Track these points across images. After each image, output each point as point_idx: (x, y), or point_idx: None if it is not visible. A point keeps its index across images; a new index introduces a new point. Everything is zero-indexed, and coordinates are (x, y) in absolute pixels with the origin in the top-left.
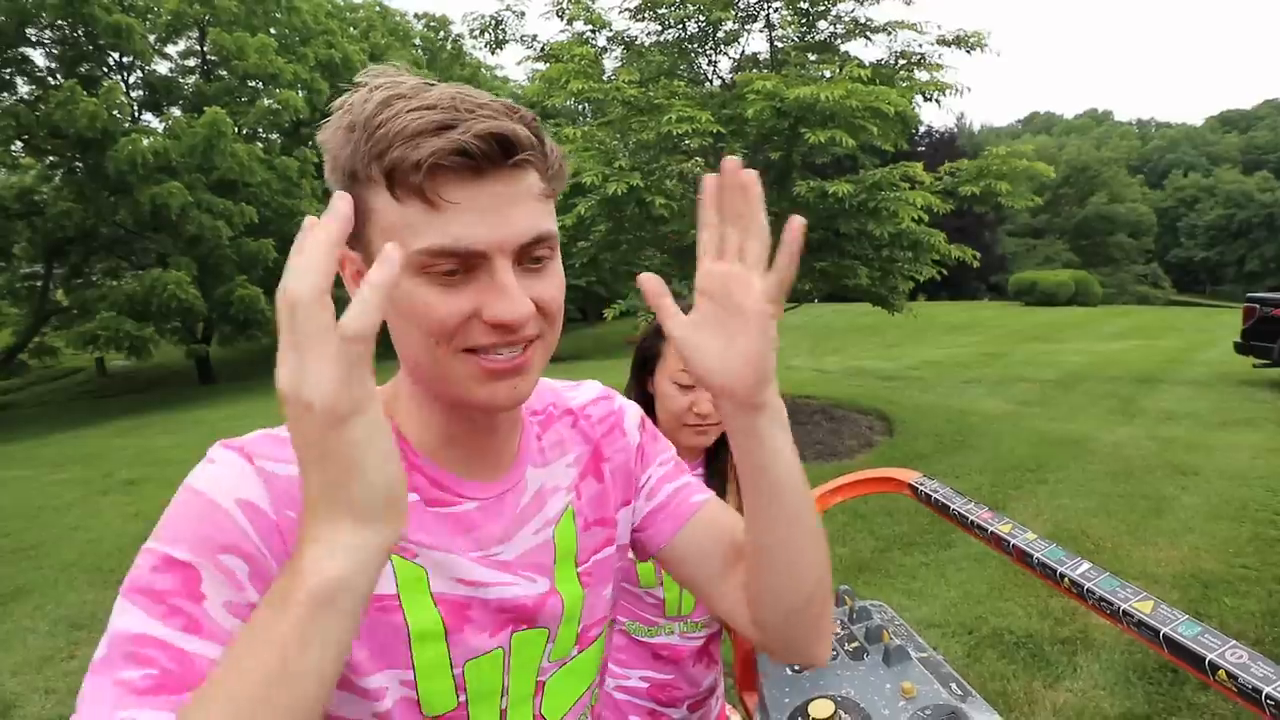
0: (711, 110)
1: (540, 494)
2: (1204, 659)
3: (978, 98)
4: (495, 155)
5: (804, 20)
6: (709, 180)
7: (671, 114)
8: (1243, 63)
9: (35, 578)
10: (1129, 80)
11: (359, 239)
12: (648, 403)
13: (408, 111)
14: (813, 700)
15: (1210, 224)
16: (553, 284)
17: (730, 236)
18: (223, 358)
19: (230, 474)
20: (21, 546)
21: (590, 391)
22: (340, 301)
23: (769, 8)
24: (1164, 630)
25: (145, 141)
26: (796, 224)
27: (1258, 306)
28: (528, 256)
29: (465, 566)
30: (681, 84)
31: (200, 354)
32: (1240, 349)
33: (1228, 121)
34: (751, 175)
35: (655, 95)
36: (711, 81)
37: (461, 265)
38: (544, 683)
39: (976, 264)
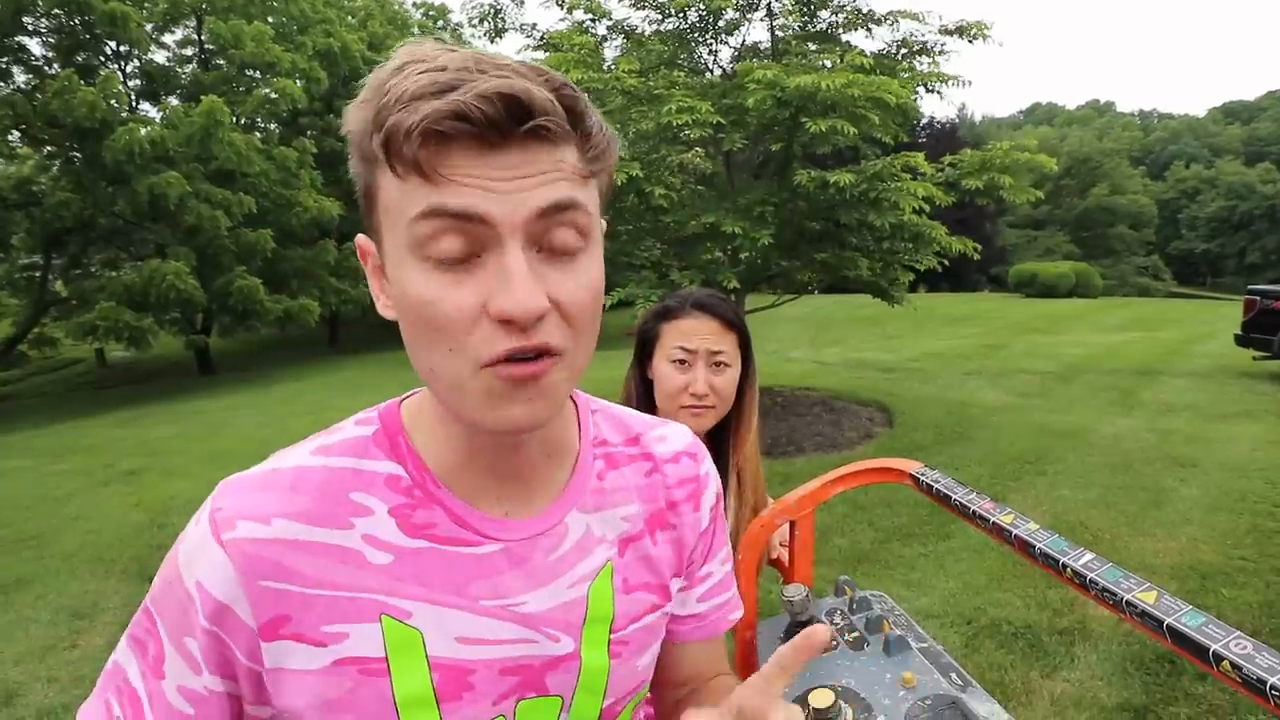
0: (712, 100)
1: (584, 543)
2: (1208, 649)
3: (979, 88)
4: (502, 120)
5: (805, 9)
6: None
7: (671, 104)
8: (1246, 54)
9: (36, 567)
10: (1131, 71)
11: (371, 224)
12: (648, 388)
13: (418, 74)
14: (812, 690)
15: (1211, 216)
16: (582, 282)
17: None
18: (222, 349)
19: (195, 550)
20: (22, 536)
21: (679, 440)
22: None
23: None
24: (1168, 621)
25: (142, 131)
26: (821, 632)
27: (1258, 299)
28: (550, 240)
29: (472, 622)
30: (681, 74)
31: (200, 345)
32: (1240, 341)
33: (1230, 113)
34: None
35: (655, 85)
36: (712, 71)
37: (467, 243)
38: None
39: (977, 256)
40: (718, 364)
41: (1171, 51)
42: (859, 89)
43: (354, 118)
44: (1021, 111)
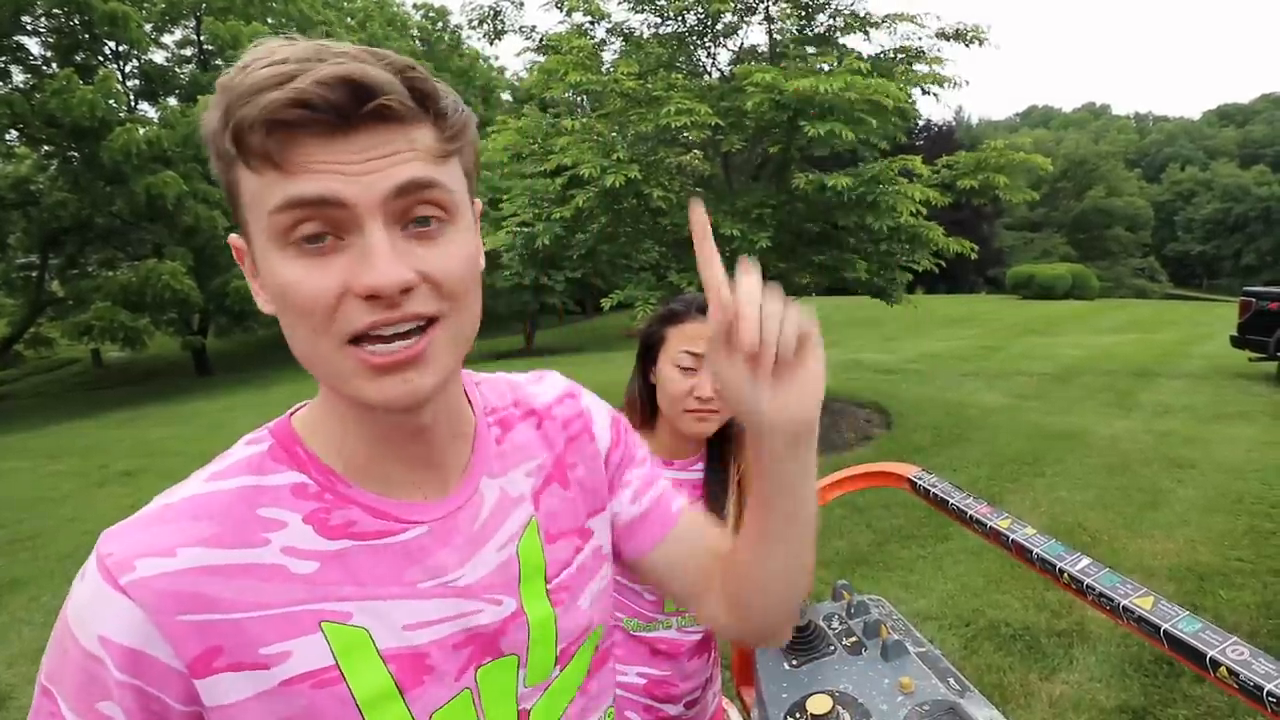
0: (710, 103)
1: (500, 506)
2: (1205, 655)
3: (976, 91)
4: (344, 104)
5: (802, 13)
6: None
7: (670, 106)
8: (1241, 57)
9: (31, 569)
10: (1127, 74)
11: (241, 222)
12: (649, 393)
13: (259, 69)
14: (811, 695)
15: (1207, 218)
16: (450, 254)
17: None
18: (219, 349)
19: (92, 604)
20: (18, 538)
21: (554, 388)
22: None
23: (768, 0)
24: (1164, 626)
25: (140, 131)
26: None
27: (1254, 300)
28: (410, 217)
29: (416, 608)
30: (680, 76)
31: (196, 345)
32: (1236, 343)
33: (1225, 116)
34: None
35: (654, 87)
36: (710, 74)
37: (327, 226)
38: (528, 710)
39: (975, 256)
40: None
41: (1167, 55)
42: (856, 92)
43: (207, 120)
44: (1018, 114)
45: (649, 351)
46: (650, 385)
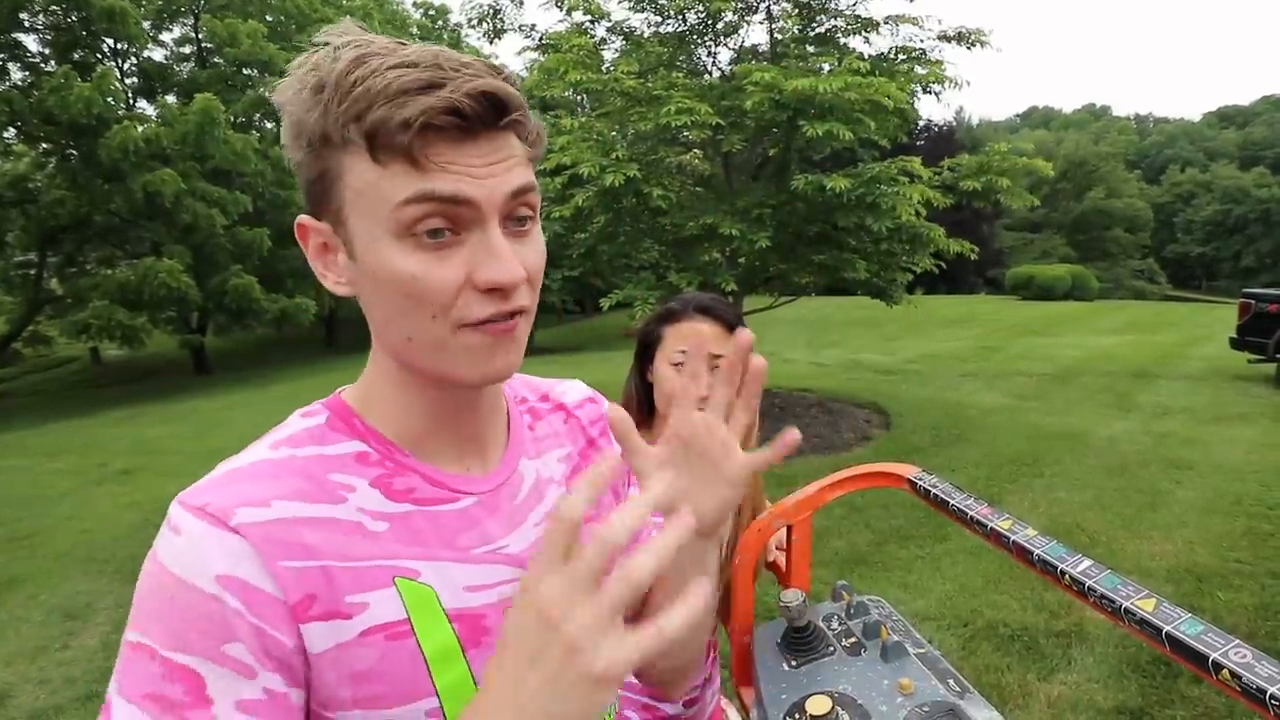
0: (710, 102)
1: (537, 486)
2: (1207, 658)
3: (976, 92)
4: (487, 116)
5: (804, 13)
6: (733, 361)
7: (670, 105)
8: (1241, 59)
9: (29, 567)
10: (1128, 75)
11: (326, 206)
12: (647, 392)
13: (388, 69)
14: (810, 696)
15: (1207, 219)
16: (536, 251)
17: (723, 399)
18: (218, 348)
19: (202, 546)
20: (15, 536)
21: (579, 392)
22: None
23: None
24: (1166, 629)
25: (138, 129)
26: (792, 435)
27: (1253, 302)
28: (513, 217)
29: (472, 571)
30: (680, 75)
31: (195, 344)
32: (1235, 344)
33: (1225, 117)
34: (762, 363)
35: (654, 86)
36: (710, 73)
37: (449, 223)
38: None
39: (975, 257)
40: (719, 367)
41: (1167, 56)
42: (856, 92)
43: (302, 102)
44: (1018, 115)
45: (646, 350)
46: (648, 384)
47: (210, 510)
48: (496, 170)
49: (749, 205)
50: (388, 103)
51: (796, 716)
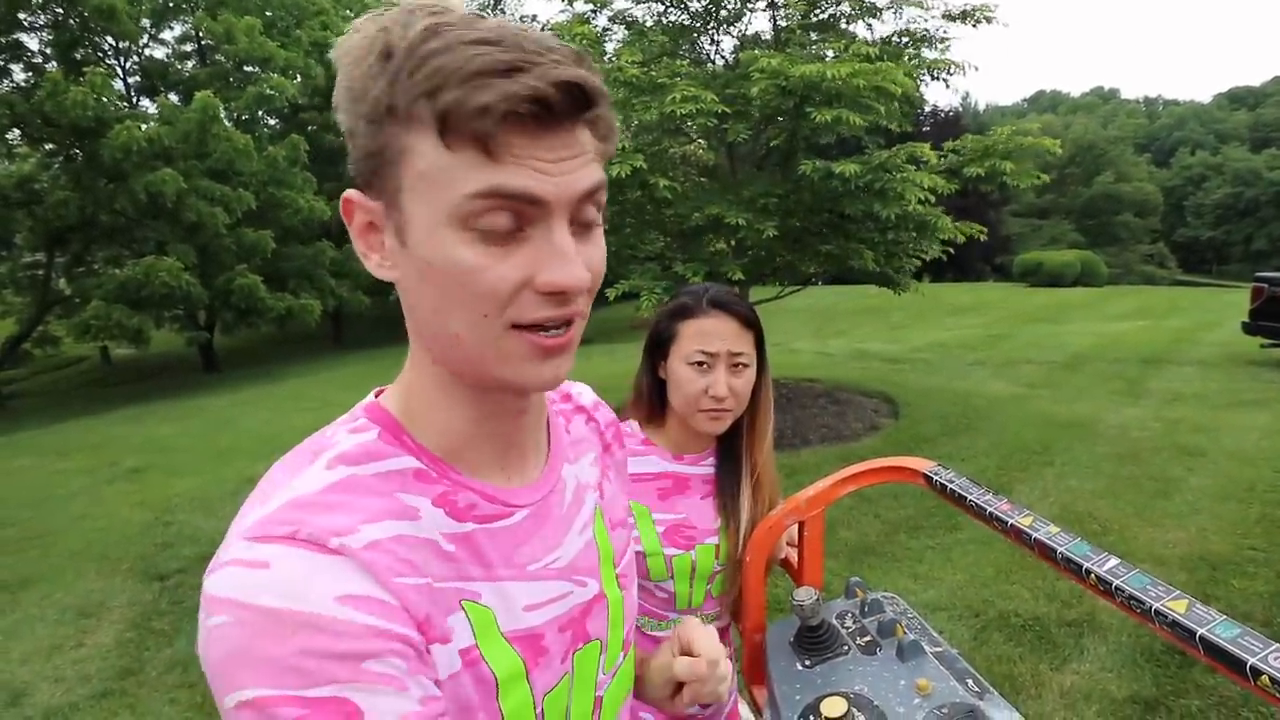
0: (715, 90)
1: (578, 492)
2: (1245, 663)
3: (983, 76)
4: (569, 107)
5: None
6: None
7: (675, 94)
8: (1252, 39)
9: (43, 566)
10: (1136, 58)
11: (380, 183)
12: (659, 387)
13: (465, 44)
14: (825, 698)
15: (1217, 203)
16: (600, 253)
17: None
18: (227, 346)
19: (304, 572)
20: (29, 535)
21: (591, 394)
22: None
23: None
24: (1200, 632)
25: (141, 128)
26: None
27: (1266, 286)
28: (580, 217)
29: (529, 589)
30: (684, 64)
31: (202, 341)
32: (1248, 329)
33: (1236, 99)
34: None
35: (657, 75)
36: (714, 62)
37: (515, 219)
38: (601, 697)
39: (983, 238)
40: (736, 365)
41: (1176, 38)
42: (863, 78)
43: (367, 68)
44: (1025, 99)
45: (659, 347)
46: (659, 380)
47: (304, 535)
48: (570, 167)
49: (755, 195)
50: (464, 83)
51: (811, 718)
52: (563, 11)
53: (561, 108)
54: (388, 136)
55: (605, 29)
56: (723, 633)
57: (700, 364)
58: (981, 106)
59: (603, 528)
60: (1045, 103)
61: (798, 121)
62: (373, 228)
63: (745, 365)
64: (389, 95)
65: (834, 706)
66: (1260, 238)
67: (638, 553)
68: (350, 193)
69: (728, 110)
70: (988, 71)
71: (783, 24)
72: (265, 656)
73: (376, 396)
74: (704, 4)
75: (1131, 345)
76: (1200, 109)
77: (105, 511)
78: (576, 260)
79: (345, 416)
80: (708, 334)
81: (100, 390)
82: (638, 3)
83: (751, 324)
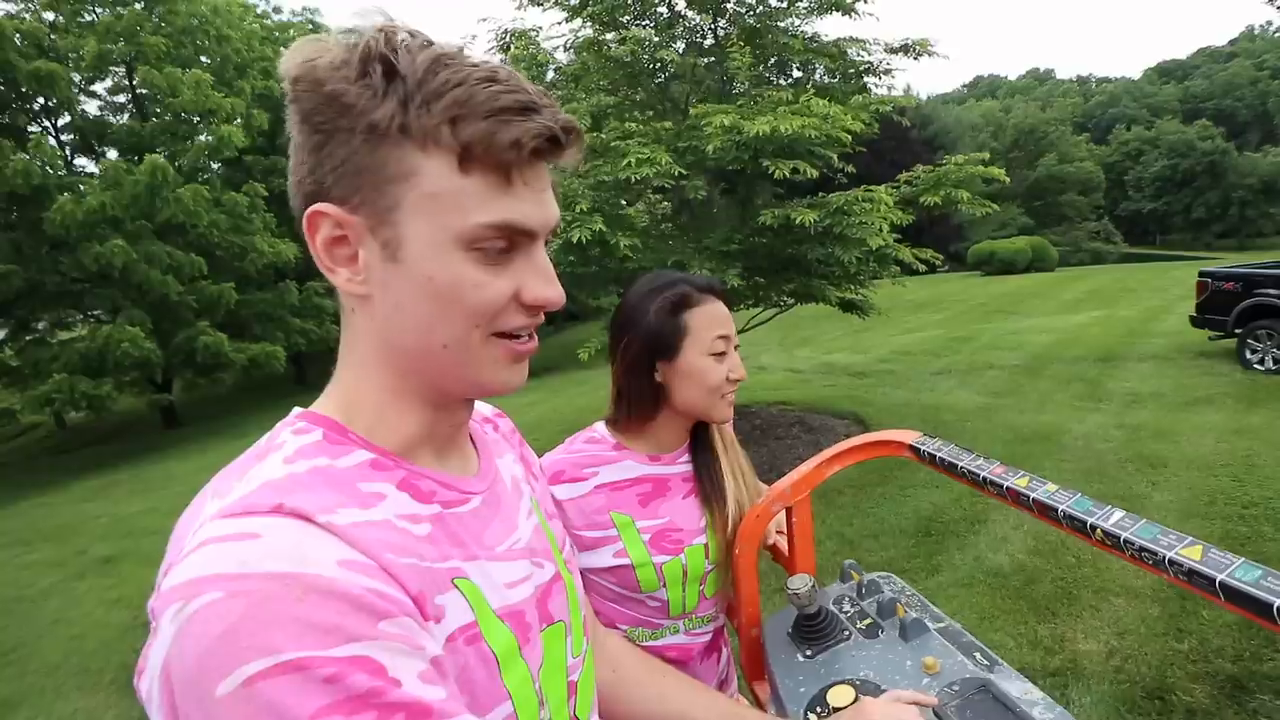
0: (667, 143)
1: (515, 482)
2: (1272, 606)
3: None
4: (564, 146)
5: (753, 46)
6: None
7: (630, 157)
8: (1176, 12)
9: (20, 687)
10: (1068, 37)
11: (367, 198)
12: (657, 393)
13: (480, 81)
14: (831, 687)
15: (1156, 175)
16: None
17: None
18: (186, 400)
19: (301, 538)
20: (2, 650)
21: (490, 406)
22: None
23: (715, 26)
24: (1220, 577)
25: (83, 200)
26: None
27: (1210, 281)
28: (545, 243)
29: (505, 568)
30: (635, 122)
31: (164, 404)
32: (1196, 323)
33: (1165, 72)
34: None
35: (608, 138)
36: (664, 107)
37: (510, 245)
38: (575, 683)
39: (940, 262)
40: (737, 346)
41: (1104, 15)
42: (814, 129)
43: (364, 86)
44: (965, 85)
45: (665, 349)
46: (656, 383)
47: (288, 510)
48: (547, 198)
49: (715, 243)
50: (490, 118)
51: (819, 710)
52: (503, 61)
53: (562, 146)
54: (390, 154)
55: (552, 82)
56: (718, 632)
57: (720, 352)
58: (924, 97)
59: (542, 516)
60: (984, 87)
61: (754, 174)
62: (342, 241)
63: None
64: (400, 116)
65: (841, 695)
66: (1199, 207)
67: (625, 566)
68: (322, 205)
69: (685, 172)
70: (927, 61)
71: (732, 74)
72: (279, 619)
73: (309, 409)
74: (646, 61)
75: (1088, 342)
76: (1132, 85)
77: (81, 614)
78: (554, 278)
79: (275, 428)
80: (719, 319)
81: (57, 459)
82: (579, 56)
83: (730, 301)
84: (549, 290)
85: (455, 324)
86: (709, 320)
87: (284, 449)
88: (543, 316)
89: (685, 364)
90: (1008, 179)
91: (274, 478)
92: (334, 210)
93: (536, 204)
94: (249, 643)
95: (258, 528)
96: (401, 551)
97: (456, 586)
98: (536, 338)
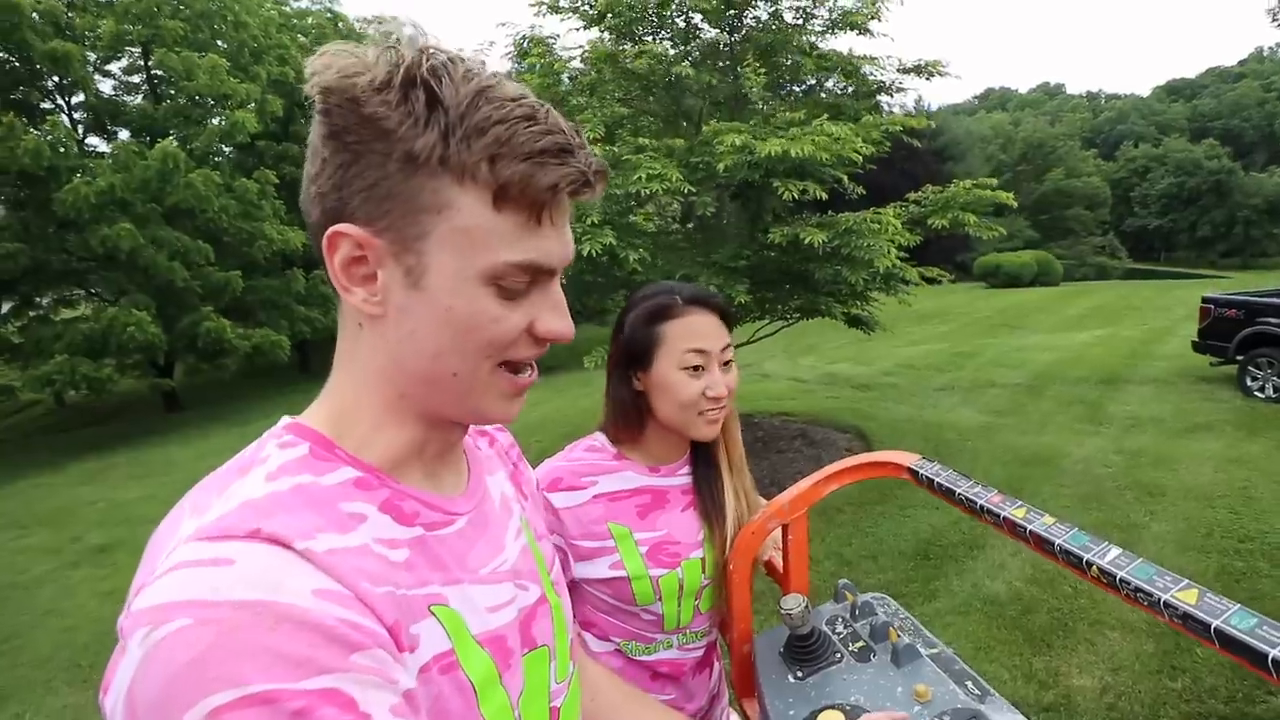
0: (678, 159)
1: (504, 502)
2: (1267, 656)
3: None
4: (593, 185)
5: (769, 65)
6: None
7: (640, 172)
8: (1187, 32)
9: (11, 679)
10: (1079, 52)
11: (395, 224)
12: (639, 402)
13: (519, 120)
14: (820, 711)
15: (1162, 192)
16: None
17: None
18: (188, 384)
19: (275, 566)
20: None
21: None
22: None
23: (732, 41)
24: (1215, 624)
25: (95, 182)
26: None
27: (1212, 307)
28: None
29: (487, 591)
30: (648, 136)
31: (165, 388)
32: (1198, 348)
33: (1174, 90)
34: None
35: (620, 151)
36: (677, 120)
37: (530, 281)
38: (558, 709)
39: (949, 278)
40: (727, 362)
41: (1116, 32)
42: (825, 152)
43: (405, 113)
44: (976, 97)
45: (637, 358)
46: (636, 393)
47: (264, 535)
48: (568, 235)
49: (724, 259)
50: (529, 159)
51: None
52: (522, 71)
53: (594, 185)
54: (425, 184)
55: (566, 92)
56: (711, 646)
57: (695, 367)
58: (934, 108)
59: (532, 536)
60: (995, 100)
61: (764, 192)
62: (361, 261)
63: (732, 360)
64: (441, 148)
65: None
66: (1204, 225)
67: (621, 578)
68: (344, 226)
69: (695, 189)
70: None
71: (745, 92)
72: (248, 650)
73: (296, 420)
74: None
75: (1090, 363)
76: (1140, 102)
77: (74, 605)
78: (567, 311)
79: (262, 438)
80: (696, 333)
81: (55, 438)
82: (596, 68)
83: (729, 315)
84: (561, 324)
85: (468, 355)
86: (685, 332)
87: (268, 464)
88: (548, 347)
89: (658, 376)
90: (1015, 203)
91: (254, 497)
92: (357, 232)
93: (560, 242)
94: (216, 673)
95: (233, 553)
96: (378, 580)
97: (434, 614)
98: (537, 369)
